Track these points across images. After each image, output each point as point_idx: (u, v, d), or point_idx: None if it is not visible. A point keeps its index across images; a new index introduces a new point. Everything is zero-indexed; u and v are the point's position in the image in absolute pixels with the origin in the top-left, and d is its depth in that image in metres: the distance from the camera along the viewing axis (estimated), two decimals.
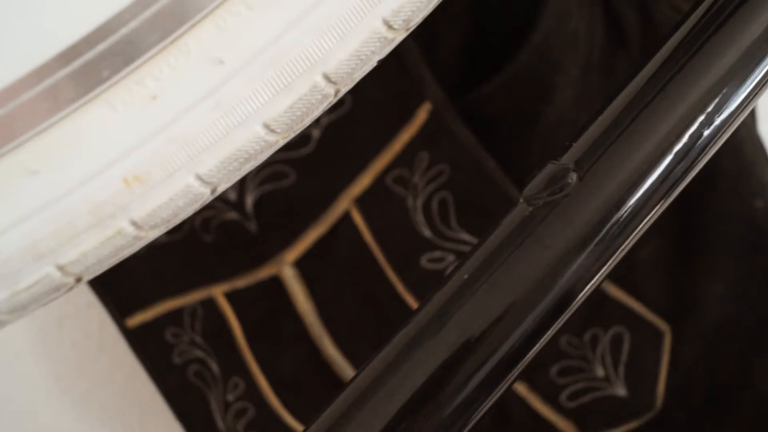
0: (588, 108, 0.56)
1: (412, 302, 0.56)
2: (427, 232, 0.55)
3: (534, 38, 0.54)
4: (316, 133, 0.56)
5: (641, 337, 0.55)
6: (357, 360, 0.57)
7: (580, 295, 0.26)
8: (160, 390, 0.61)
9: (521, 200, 0.27)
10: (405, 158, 0.55)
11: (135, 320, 0.60)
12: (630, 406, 0.55)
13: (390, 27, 0.24)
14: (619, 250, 0.26)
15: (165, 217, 0.23)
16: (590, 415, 0.55)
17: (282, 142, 0.24)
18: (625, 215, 0.26)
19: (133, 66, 0.22)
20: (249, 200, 0.57)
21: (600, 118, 0.27)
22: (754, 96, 0.27)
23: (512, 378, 0.26)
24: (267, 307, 0.58)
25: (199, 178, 0.23)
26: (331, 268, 0.57)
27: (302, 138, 0.55)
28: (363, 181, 0.56)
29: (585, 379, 0.55)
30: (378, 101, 0.55)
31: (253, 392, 0.58)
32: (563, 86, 0.55)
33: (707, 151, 0.27)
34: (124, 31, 0.22)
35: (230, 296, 0.58)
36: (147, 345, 0.60)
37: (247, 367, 0.58)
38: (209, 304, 0.58)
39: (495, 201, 0.54)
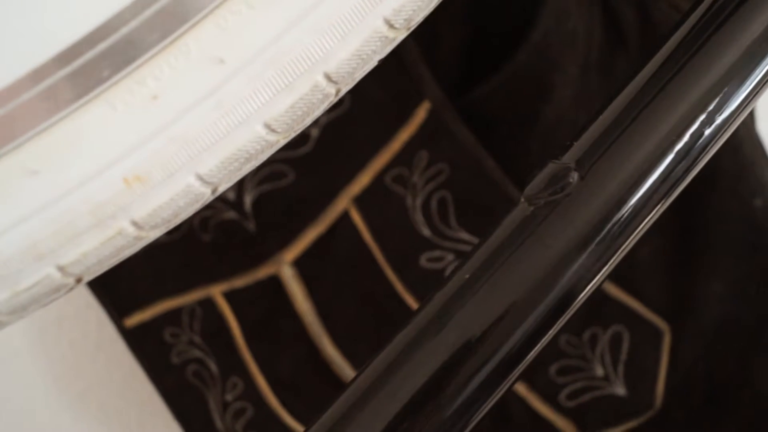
0: (587, 107, 0.56)
1: (412, 301, 0.56)
2: (426, 232, 0.55)
3: (533, 37, 0.54)
4: (314, 133, 0.56)
5: (640, 336, 0.55)
6: (356, 359, 0.57)
7: (581, 295, 0.26)
8: (159, 390, 0.60)
9: (522, 200, 0.27)
10: (404, 157, 0.55)
11: (133, 320, 0.59)
12: (629, 406, 0.55)
13: (391, 26, 0.24)
14: (620, 250, 0.26)
15: (166, 217, 0.23)
16: (589, 415, 0.55)
17: (283, 142, 0.24)
18: (626, 215, 0.26)
19: (133, 66, 0.22)
20: (248, 200, 0.57)
21: (601, 117, 0.27)
22: (755, 95, 0.27)
23: (513, 378, 0.26)
24: (266, 306, 0.58)
25: (200, 178, 0.23)
26: (330, 267, 0.57)
27: (301, 137, 0.55)
28: (362, 181, 0.56)
29: (584, 378, 0.55)
30: (377, 100, 0.55)
31: (251, 392, 0.58)
32: (562, 85, 0.55)
33: (708, 151, 0.27)
34: (124, 30, 0.22)
35: (229, 296, 0.58)
36: (145, 345, 0.60)
37: (246, 367, 0.58)
38: (208, 303, 0.58)
39: (494, 200, 0.54)
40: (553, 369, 0.56)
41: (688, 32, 0.28)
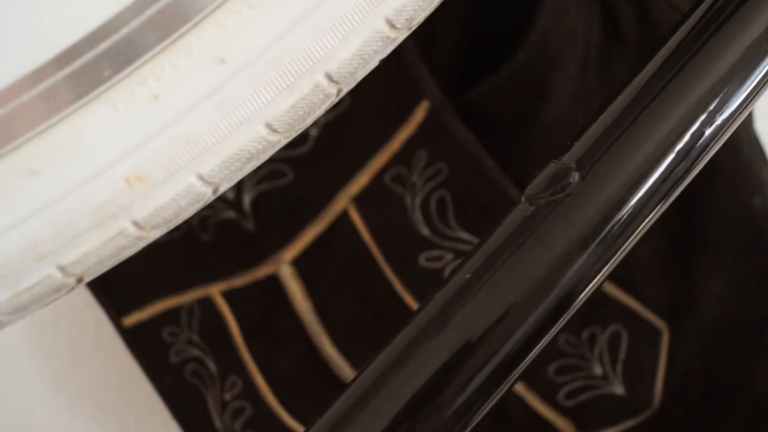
0: (585, 106, 0.56)
1: (411, 301, 0.55)
2: (425, 231, 0.55)
3: (532, 36, 0.54)
4: (313, 132, 0.56)
5: (639, 335, 0.55)
6: (355, 358, 0.57)
7: (582, 296, 0.26)
8: (157, 389, 0.60)
9: (523, 199, 0.27)
10: (403, 157, 0.55)
11: (132, 319, 0.59)
12: (628, 405, 0.55)
13: (392, 26, 0.24)
14: (620, 250, 0.26)
15: (167, 217, 0.23)
16: (588, 414, 0.56)
17: (284, 142, 0.24)
18: (626, 214, 0.26)
19: (134, 65, 0.22)
20: (246, 199, 0.57)
21: (601, 117, 0.27)
22: (756, 94, 0.27)
23: (514, 378, 0.26)
24: (264, 305, 0.58)
25: (201, 177, 0.23)
26: (329, 266, 0.57)
27: (300, 137, 0.55)
28: (361, 180, 0.56)
29: (583, 377, 0.56)
30: (376, 100, 0.55)
31: (250, 391, 0.58)
32: (561, 84, 0.55)
33: (708, 150, 0.27)
34: (125, 30, 0.22)
35: (227, 295, 0.58)
36: (144, 344, 0.60)
37: (245, 366, 0.58)
38: (206, 303, 0.58)
39: (493, 199, 0.54)
40: (551, 368, 0.56)
41: (689, 32, 0.28)
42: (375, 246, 0.56)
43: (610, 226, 0.26)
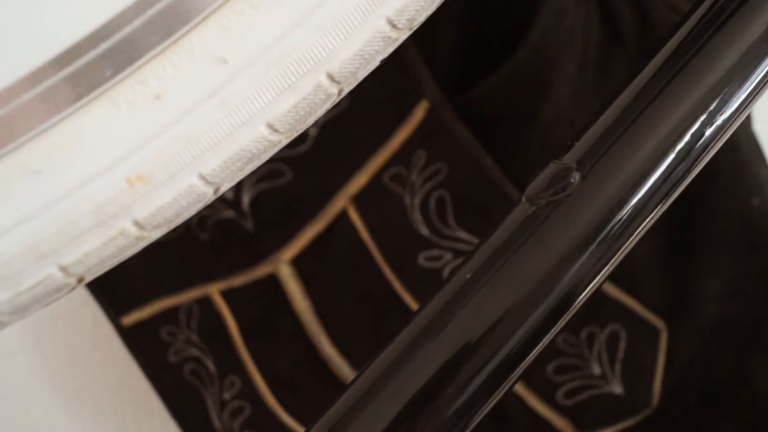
0: (584, 105, 0.56)
1: (410, 300, 0.55)
2: (424, 231, 0.55)
3: (531, 36, 0.54)
4: (312, 132, 0.56)
5: (637, 335, 0.56)
6: (354, 358, 0.57)
7: (582, 296, 0.26)
8: (156, 388, 0.60)
9: (523, 200, 0.27)
10: (402, 156, 0.55)
11: (130, 319, 0.59)
12: (626, 404, 0.56)
13: (394, 26, 0.24)
14: (620, 250, 0.26)
15: (168, 217, 0.23)
16: (587, 413, 0.56)
17: (285, 142, 0.24)
18: (627, 214, 0.26)
19: (136, 65, 0.22)
20: (245, 198, 0.57)
21: (602, 117, 0.27)
22: (756, 94, 0.28)
23: (514, 379, 0.26)
24: (263, 305, 0.58)
25: (203, 177, 0.23)
26: (328, 266, 0.57)
27: (299, 136, 0.55)
28: (360, 180, 0.56)
29: (581, 377, 0.56)
30: (375, 99, 0.55)
31: (249, 391, 0.58)
32: (560, 84, 0.55)
33: (709, 150, 0.27)
34: (127, 30, 0.22)
35: (226, 294, 0.58)
36: (142, 343, 0.60)
37: (244, 366, 0.58)
38: (205, 302, 0.58)
39: (493, 199, 0.54)
40: (550, 367, 0.56)
41: (689, 32, 0.28)
42: (374, 245, 0.56)
43: (610, 226, 0.26)
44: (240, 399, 0.58)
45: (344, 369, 0.57)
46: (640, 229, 0.27)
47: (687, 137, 0.26)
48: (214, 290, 0.58)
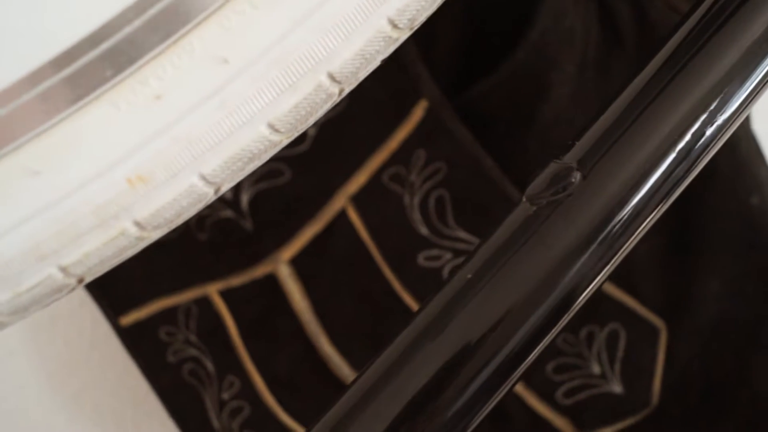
0: (584, 105, 0.56)
1: (409, 300, 0.55)
2: (423, 230, 0.55)
3: (531, 36, 0.54)
4: (311, 131, 0.56)
5: (637, 334, 0.56)
6: (353, 358, 0.57)
7: (582, 296, 0.26)
8: (155, 389, 0.60)
9: (524, 199, 0.27)
10: (401, 156, 0.55)
11: (129, 319, 0.59)
12: (626, 404, 0.56)
13: (395, 26, 0.24)
14: (621, 250, 0.26)
15: (168, 217, 0.23)
16: (586, 413, 0.56)
17: (286, 142, 0.24)
18: (627, 214, 0.26)
19: (136, 65, 0.22)
20: (244, 198, 0.57)
21: (602, 117, 0.27)
22: (756, 94, 0.27)
23: (515, 379, 0.26)
24: (262, 305, 0.58)
25: (203, 178, 0.23)
26: (327, 266, 0.57)
27: (298, 136, 0.55)
28: (359, 179, 0.56)
29: (581, 376, 0.56)
30: (375, 99, 0.55)
31: (248, 391, 0.58)
32: (559, 83, 0.55)
33: (709, 150, 0.27)
34: (127, 30, 0.21)
35: (225, 294, 0.58)
36: (141, 344, 0.60)
37: (243, 366, 0.58)
38: (204, 302, 0.58)
39: (492, 199, 0.54)
40: (549, 367, 0.56)
41: (690, 32, 0.28)
42: (373, 245, 0.56)
43: (611, 225, 0.26)
44: (239, 399, 0.58)
45: (344, 369, 0.57)
46: (641, 228, 0.27)
47: (688, 137, 0.26)
48: (212, 290, 0.58)
